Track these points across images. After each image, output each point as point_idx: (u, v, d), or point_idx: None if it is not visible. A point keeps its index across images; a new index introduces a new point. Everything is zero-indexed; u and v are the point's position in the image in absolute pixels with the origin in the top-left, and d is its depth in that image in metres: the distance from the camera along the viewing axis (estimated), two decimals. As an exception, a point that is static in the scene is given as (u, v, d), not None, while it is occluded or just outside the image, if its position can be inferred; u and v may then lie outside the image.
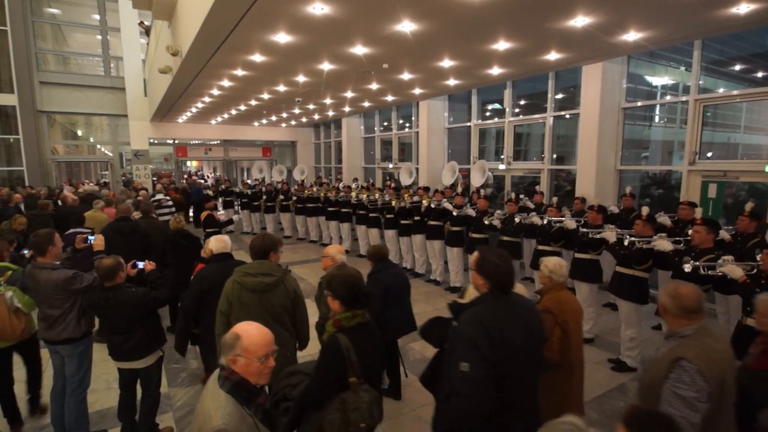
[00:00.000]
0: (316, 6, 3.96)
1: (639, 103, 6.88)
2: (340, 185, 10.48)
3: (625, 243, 4.28)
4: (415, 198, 7.54)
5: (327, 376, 2.02)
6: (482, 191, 7.76)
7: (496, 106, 9.28)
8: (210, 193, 11.09)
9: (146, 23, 12.44)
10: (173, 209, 8.91)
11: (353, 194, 9.07)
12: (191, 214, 12.77)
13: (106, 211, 6.39)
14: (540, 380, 2.01)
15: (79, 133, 16.87)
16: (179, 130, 14.44)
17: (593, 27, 4.62)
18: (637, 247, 4.17)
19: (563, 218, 5.45)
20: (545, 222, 5.55)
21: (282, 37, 4.93)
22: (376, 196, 8.37)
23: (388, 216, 8.01)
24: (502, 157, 8.87)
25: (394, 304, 3.51)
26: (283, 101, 9.86)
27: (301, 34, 4.87)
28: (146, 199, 8.04)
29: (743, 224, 4.40)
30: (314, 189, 10.30)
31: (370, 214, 8.53)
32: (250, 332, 1.63)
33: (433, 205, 6.98)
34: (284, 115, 12.52)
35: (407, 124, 11.88)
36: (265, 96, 9.05)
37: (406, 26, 4.54)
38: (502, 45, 5.26)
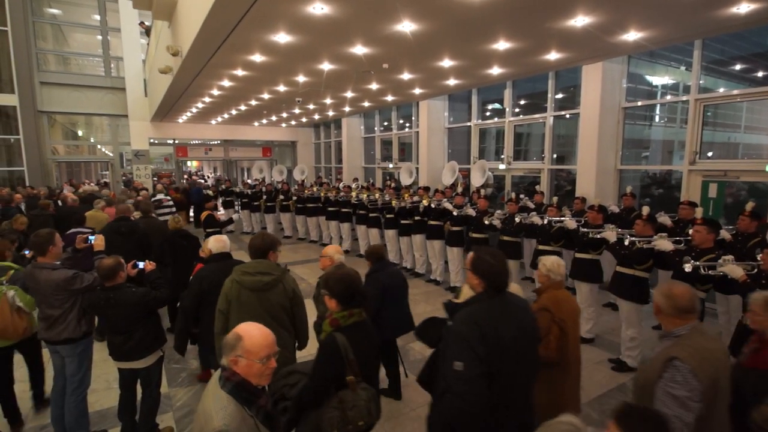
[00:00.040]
0: (316, 6, 3.96)
1: (639, 103, 6.88)
2: (340, 185, 10.47)
3: (626, 243, 4.28)
4: (415, 198, 7.54)
5: (325, 374, 2.03)
6: (482, 191, 7.75)
7: (496, 105, 9.28)
8: (210, 193, 11.10)
9: (146, 23, 12.45)
10: (174, 209, 8.92)
11: (353, 194, 9.07)
12: (191, 214, 12.78)
13: (106, 211, 6.39)
14: (534, 379, 2.03)
15: (80, 133, 16.89)
16: (179, 130, 14.45)
17: (593, 27, 4.61)
18: (638, 246, 4.17)
19: (563, 218, 5.44)
20: (545, 222, 5.54)
21: (282, 37, 4.93)
22: (376, 196, 8.37)
23: (388, 216, 8.01)
24: (502, 156, 8.87)
25: (391, 304, 3.52)
26: (283, 101, 9.86)
27: (301, 34, 4.87)
28: (146, 199, 8.05)
29: (744, 224, 4.39)
30: (314, 189, 10.30)
31: (370, 214, 8.53)
32: (252, 333, 1.63)
33: (433, 205, 6.98)
34: (284, 115, 12.53)
35: (407, 124, 11.88)
36: (266, 96, 9.05)
37: (406, 26, 4.54)
38: (502, 45, 5.26)
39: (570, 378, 2.73)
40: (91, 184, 14.13)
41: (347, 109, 11.32)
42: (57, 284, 2.96)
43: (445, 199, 7.11)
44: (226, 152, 16.02)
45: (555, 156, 8.05)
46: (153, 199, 8.67)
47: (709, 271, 3.53)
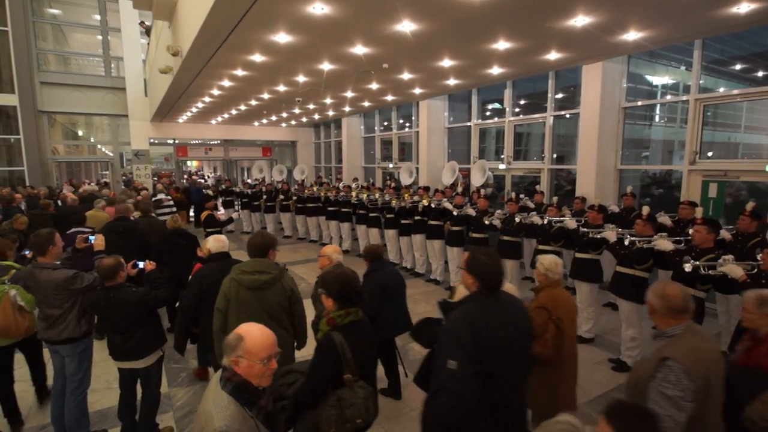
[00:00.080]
0: (316, 6, 3.96)
1: (639, 103, 6.88)
2: (340, 185, 10.48)
3: (626, 243, 4.28)
4: (415, 198, 7.54)
5: (322, 373, 2.03)
6: (482, 191, 7.76)
7: (496, 105, 9.28)
8: (210, 192, 11.09)
9: (147, 23, 12.46)
10: (174, 209, 8.92)
11: (353, 194, 9.07)
12: (192, 213, 12.78)
13: (107, 210, 6.40)
14: (527, 379, 2.04)
15: (80, 133, 16.90)
16: (179, 130, 14.45)
17: (593, 26, 4.61)
18: (638, 246, 4.17)
19: (563, 218, 5.44)
20: (545, 222, 5.54)
21: (282, 37, 4.93)
22: (376, 195, 8.37)
23: (388, 216, 8.01)
24: (502, 156, 8.86)
25: (389, 304, 3.53)
26: (283, 101, 9.87)
27: (301, 34, 4.87)
28: (147, 198, 8.05)
29: (744, 224, 4.40)
30: (314, 189, 10.30)
31: (370, 214, 8.54)
32: (253, 334, 1.63)
33: (433, 205, 6.98)
34: (284, 114, 12.53)
35: (407, 124, 11.87)
36: (265, 96, 9.05)
37: (406, 26, 4.54)
38: (502, 45, 5.26)
39: (566, 376, 2.75)
40: (91, 183, 14.12)
41: (347, 108, 11.32)
42: (57, 284, 2.97)
43: (445, 199, 7.11)
44: (226, 152, 16.02)
45: (555, 156, 8.05)
46: (153, 198, 8.68)
47: (709, 271, 3.53)
